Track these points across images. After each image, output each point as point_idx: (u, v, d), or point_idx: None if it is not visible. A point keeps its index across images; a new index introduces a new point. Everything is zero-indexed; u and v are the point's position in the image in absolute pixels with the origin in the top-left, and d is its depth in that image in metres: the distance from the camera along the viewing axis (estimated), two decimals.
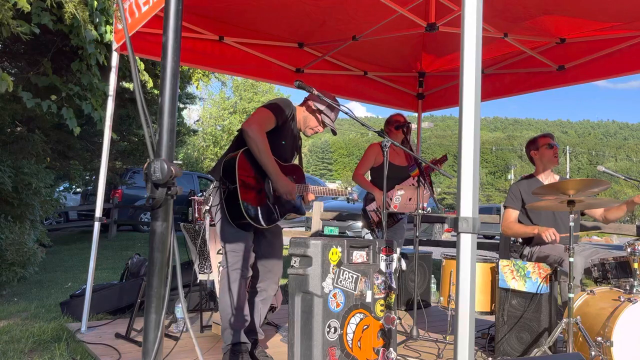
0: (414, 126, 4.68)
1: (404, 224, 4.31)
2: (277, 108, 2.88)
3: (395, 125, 4.21)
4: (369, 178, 4.39)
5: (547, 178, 3.73)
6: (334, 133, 3.18)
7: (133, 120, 9.49)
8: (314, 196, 3.07)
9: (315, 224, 7.22)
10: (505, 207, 3.76)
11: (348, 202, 3.34)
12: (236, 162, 2.75)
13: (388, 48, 4.96)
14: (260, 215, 2.81)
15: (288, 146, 3.03)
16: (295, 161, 3.19)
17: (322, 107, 3.02)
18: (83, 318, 3.53)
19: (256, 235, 2.95)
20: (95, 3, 4.40)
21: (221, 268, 2.87)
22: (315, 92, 2.93)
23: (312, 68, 4.89)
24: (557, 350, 3.08)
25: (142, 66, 5.63)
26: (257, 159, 2.78)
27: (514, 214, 3.68)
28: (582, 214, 3.82)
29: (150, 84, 5.66)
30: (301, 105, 3.12)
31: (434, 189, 4.15)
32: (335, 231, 9.50)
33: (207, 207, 3.24)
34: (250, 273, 2.89)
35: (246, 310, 2.84)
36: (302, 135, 3.23)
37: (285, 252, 2.96)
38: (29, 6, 3.63)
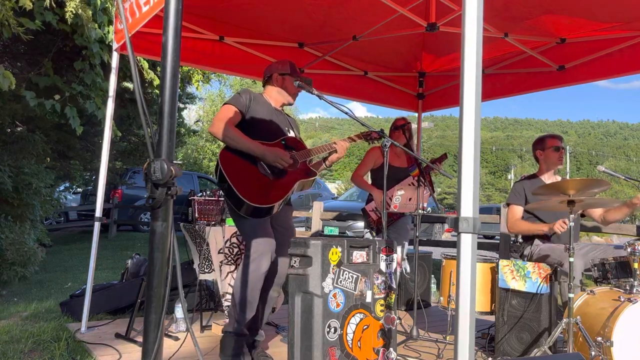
0: (413, 126, 4.67)
1: (408, 225, 4.28)
2: (233, 99, 2.93)
3: (394, 127, 4.20)
4: (369, 181, 4.38)
5: (550, 179, 3.71)
6: (309, 83, 3.08)
7: (133, 120, 9.49)
8: (313, 156, 3.04)
9: (315, 224, 7.23)
10: (508, 204, 3.72)
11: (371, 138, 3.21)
12: (219, 162, 2.79)
13: (388, 48, 4.96)
14: (264, 197, 2.79)
15: (271, 129, 2.98)
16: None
17: (287, 70, 3.04)
18: (83, 318, 3.53)
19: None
20: (98, 2, 4.39)
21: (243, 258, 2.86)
22: (315, 92, 2.93)
23: (312, 68, 4.89)
24: (557, 350, 3.08)
25: (145, 65, 5.60)
26: (237, 148, 2.79)
27: (518, 210, 3.65)
28: (582, 216, 3.80)
29: (156, 81, 5.63)
30: (269, 82, 3.12)
31: (434, 188, 4.13)
32: (335, 231, 9.49)
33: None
34: (268, 265, 2.81)
35: (252, 305, 2.81)
36: (301, 132, 3.22)
37: None
38: (30, 4, 3.62)
